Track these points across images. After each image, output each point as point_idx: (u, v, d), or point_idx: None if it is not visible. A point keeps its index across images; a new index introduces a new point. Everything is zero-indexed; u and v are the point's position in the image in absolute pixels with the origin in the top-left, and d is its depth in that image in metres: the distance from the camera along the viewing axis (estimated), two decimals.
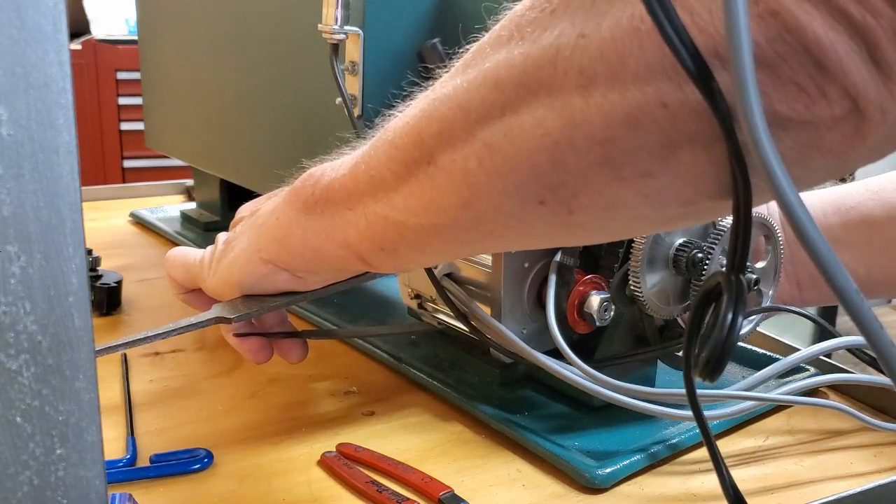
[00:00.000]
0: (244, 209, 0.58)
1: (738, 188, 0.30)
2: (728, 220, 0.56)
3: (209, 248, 0.57)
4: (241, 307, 0.52)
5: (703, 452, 0.58)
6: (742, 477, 0.55)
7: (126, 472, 0.53)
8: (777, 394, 0.60)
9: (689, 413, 0.57)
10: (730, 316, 0.30)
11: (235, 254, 0.53)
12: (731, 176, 0.30)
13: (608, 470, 0.53)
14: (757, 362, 0.68)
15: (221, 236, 0.57)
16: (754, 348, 0.70)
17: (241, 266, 0.52)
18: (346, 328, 0.73)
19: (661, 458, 0.56)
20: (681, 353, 0.59)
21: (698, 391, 0.57)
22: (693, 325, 0.33)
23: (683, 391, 0.55)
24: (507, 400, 0.61)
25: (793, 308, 0.62)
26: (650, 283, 0.55)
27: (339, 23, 0.61)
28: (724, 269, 0.32)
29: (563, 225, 0.36)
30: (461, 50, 0.40)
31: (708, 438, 0.43)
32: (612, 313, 0.56)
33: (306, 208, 0.47)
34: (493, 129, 0.35)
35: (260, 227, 0.52)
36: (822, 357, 0.63)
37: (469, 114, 0.36)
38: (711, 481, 0.54)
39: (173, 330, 0.52)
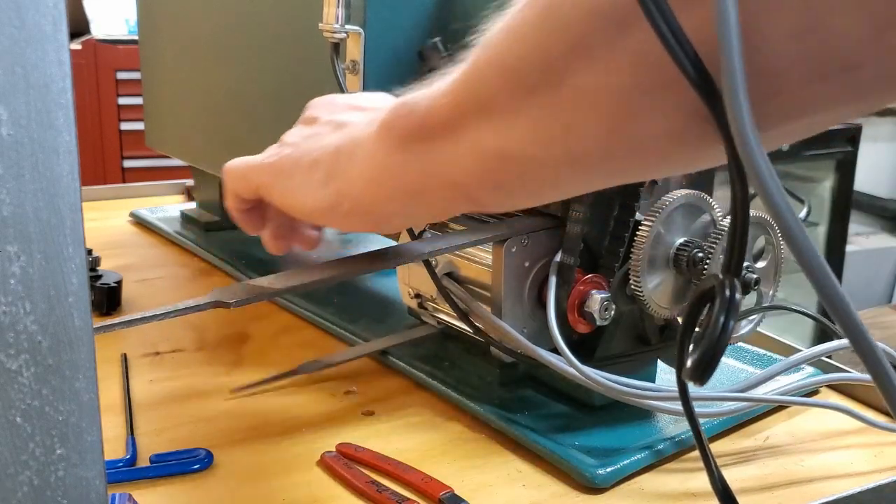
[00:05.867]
0: (319, 107, 0.51)
1: (736, 193, 0.30)
2: (728, 220, 0.56)
3: (272, 148, 0.51)
4: (239, 292, 0.51)
5: None
6: (742, 477, 0.55)
7: (126, 472, 0.53)
8: (776, 394, 0.60)
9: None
10: (722, 318, 0.30)
11: (308, 178, 0.45)
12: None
13: (608, 469, 0.53)
14: (757, 362, 0.68)
15: (290, 135, 0.50)
16: (754, 348, 0.70)
17: (312, 195, 0.45)
18: (362, 344, 0.72)
19: (662, 457, 0.56)
20: None
21: (699, 392, 0.57)
22: (687, 326, 0.33)
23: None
24: (507, 400, 0.61)
25: (793, 307, 0.62)
26: (651, 283, 0.55)
27: (339, 22, 0.61)
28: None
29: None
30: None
31: (699, 436, 0.43)
32: (613, 313, 0.56)
33: (402, 144, 0.40)
34: (645, 34, 0.28)
35: (347, 156, 0.44)
36: (823, 357, 0.63)
37: (609, 19, 0.30)
38: None
39: (171, 311, 0.50)
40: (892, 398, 0.26)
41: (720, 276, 0.31)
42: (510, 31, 0.34)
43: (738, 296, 0.30)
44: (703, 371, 0.30)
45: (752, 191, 0.65)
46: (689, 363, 0.30)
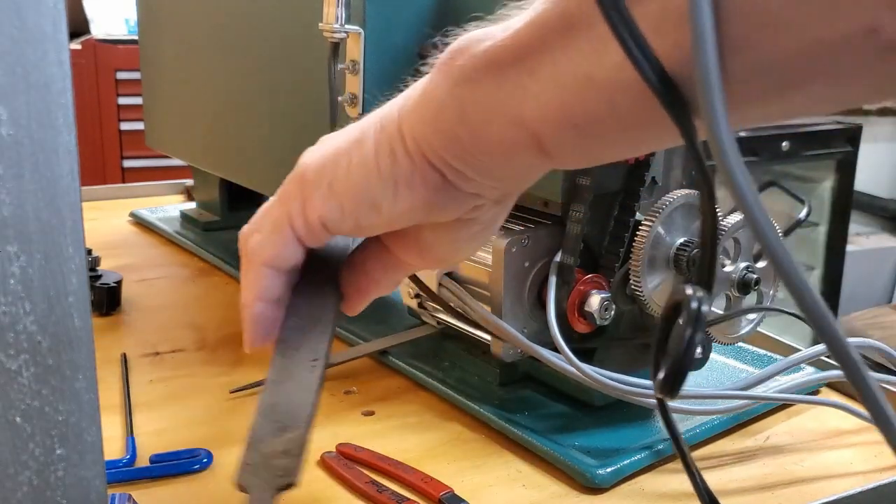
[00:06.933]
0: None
1: (706, 207, 0.30)
2: (730, 218, 0.56)
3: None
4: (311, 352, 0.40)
5: (703, 451, 0.58)
6: (742, 476, 0.55)
7: (126, 472, 0.53)
8: (775, 392, 0.60)
9: (691, 408, 0.57)
10: (688, 332, 0.29)
11: (353, 153, 0.38)
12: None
13: (608, 469, 0.53)
14: (757, 362, 0.68)
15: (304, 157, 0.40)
16: (754, 348, 0.70)
17: (365, 165, 0.37)
18: (362, 344, 0.72)
19: (662, 457, 0.56)
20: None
21: (700, 391, 0.57)
22: (660, 340, 0.32)
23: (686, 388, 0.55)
24: (507, 400, 0.61)
25: (784, 310, 0.62)
26: (651, 283, 0.55)
27: (339, 22, 0.61)
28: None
29: (885, 66, 0.26)
30: None
31: (679, 444, 0.42)
32: (613, 313, 0.56)
33: (465, 77, 0.34)
34: None
35: (398, 109, 0.37)
36: (822, 357, 0.63)
37: None
38: (712, 480, 0.54)
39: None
40: (865, 394, 0.26)
41: (687, 289, 0.30)
42: None
43: (704, 308, 0.29)
44: (672, 385, 0.29)
45: None
46: (658, 377, 0.30)
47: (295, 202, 0.39)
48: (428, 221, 0.39)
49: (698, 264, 0.31)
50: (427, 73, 0.37)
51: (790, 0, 0.26)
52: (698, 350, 0.60)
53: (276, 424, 0.39)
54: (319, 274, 0.43)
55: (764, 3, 0.26)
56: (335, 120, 0.62)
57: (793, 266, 0.25)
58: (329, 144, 0.39)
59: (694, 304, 0.29)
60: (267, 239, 0.40)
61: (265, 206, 0.42)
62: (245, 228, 0.42)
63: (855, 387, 0.26)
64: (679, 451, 0.44)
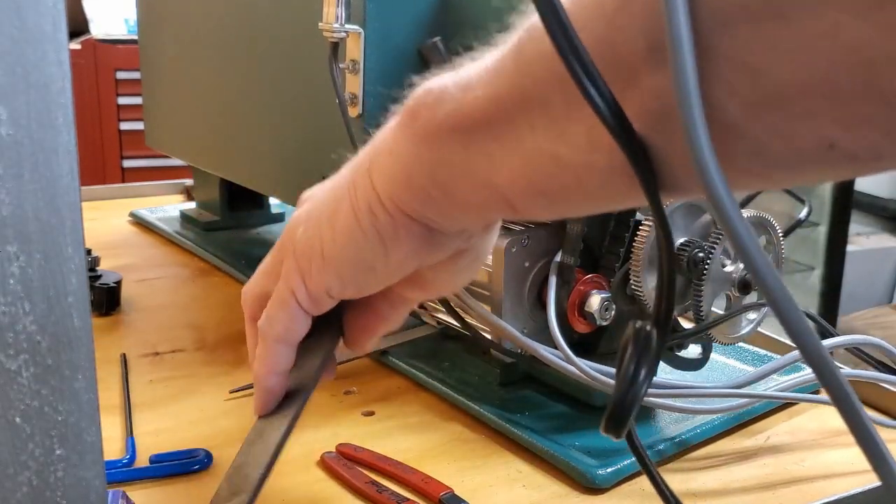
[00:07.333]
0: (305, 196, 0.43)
1: (663, 252, 0.29)
2: None
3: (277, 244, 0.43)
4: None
5: (704, 451, 0.58)
6: (742, 476, 0.55)
7: (125, 472, 0.53)
8: (776, 391, 0.60)
9: (691, 407, 0.57)
10: (631, 369, 0.28)
11: (337, 212, 0.38)
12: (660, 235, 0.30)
13: (608, 470, 0.53)
14: (757, 362, 0.68)
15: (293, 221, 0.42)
16: (754, 348, 0.70)
17: (354, 225, 0.38)
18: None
19: (662, 457, 0.56)
20: (681, 353, 0.59)
21: (699, 389, 0.57)
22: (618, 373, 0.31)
23: (685, 384, 0.55)
24: (507, 400, 0.61)
25: None
26: (651, 283, 0.55)
27: (339, 21, 0.61)
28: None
29: (850, 168, 0.27)
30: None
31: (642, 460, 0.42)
32: (613, 313, 0.56)
33: (429, 138, 0.35)
34: (754, 33, 0.25)
35: (368, 165, 0.38)
36: None
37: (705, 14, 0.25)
38: (712, 480, 0.54)
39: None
40: (792, 332, 0.25)
41: (637, 325, 0.29)
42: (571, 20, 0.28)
43: (653, 344, 0.28)
44: (614, 424, 0.28)
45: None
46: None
47: (294, 277, 0.40)
48: (425, 264, 0.40)
49: (655, 304, 0.30)
50: (390, 122, 0.37)
51: (753, 117, 0.26)
52: (698, 351, 0.60)
53: (233, 487, 0.40)
54: (323, 322, 0.44)
55: (726, 115, 0.26)
56: (346, 117, 0.62)
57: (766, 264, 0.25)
58: (312, 206, 0.41)
59: (642, 340, 0.28)
60: (276, 316, 0.42)
61: (263, 264, 0.44)
62: (247, 286, 0.45)
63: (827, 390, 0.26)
64: (637, 456, 0.44)
